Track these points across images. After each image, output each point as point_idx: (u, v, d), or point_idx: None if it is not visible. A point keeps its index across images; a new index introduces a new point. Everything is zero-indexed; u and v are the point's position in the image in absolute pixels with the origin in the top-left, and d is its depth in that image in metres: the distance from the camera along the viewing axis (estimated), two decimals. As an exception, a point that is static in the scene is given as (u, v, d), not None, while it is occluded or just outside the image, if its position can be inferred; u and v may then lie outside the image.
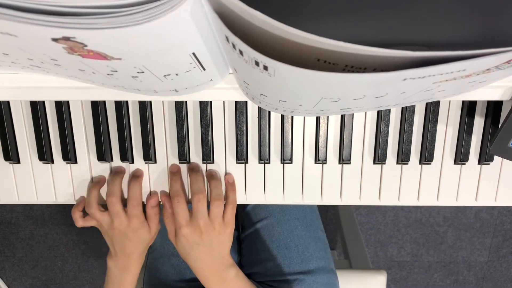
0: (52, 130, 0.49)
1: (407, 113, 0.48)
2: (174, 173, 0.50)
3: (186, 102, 0.48)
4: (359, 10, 0.31)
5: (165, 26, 0.23)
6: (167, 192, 0.51)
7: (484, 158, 0.49)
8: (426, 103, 0.48)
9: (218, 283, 0.50)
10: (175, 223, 0.48)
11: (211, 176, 0.50)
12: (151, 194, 0.51)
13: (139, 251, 0.51)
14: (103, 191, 0.50)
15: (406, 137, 0.48)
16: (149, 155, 0.48)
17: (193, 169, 0.49)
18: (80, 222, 0.50)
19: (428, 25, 0.32)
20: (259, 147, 0.49)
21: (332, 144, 0.50)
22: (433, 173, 0.50)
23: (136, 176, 0.50)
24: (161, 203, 0.51)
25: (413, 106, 0.48)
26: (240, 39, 0.22)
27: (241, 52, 0.24)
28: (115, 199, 0.47)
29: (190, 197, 0.51)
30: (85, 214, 0.50)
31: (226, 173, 0.51)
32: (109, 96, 0.44)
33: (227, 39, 0.24)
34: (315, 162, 0.50)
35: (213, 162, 0.50)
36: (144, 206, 0.50)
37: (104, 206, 0.49)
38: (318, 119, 0.48)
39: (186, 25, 0.24)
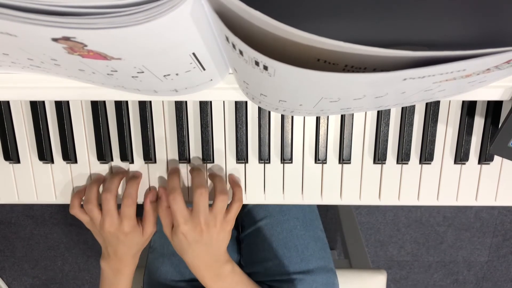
0: (52, 130, 0.49)
1: (407, 113, 0.48)
2: (172, 171, 0.49)
3: (186, 102, 0.48)
4: (359, 10, 0.31)
5: (165, 26, 0.23)
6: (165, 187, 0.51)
7: (484, 158, 0.49)
8: (426, 103, 0.48)
9: (214, 279, 0.49)
10: (173, 221, 0.47)
11: (214, 174, 0.50)
12: (150, 189, 0.51)
13: (132, 254, 0.50)
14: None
15: (406, 137, 0.48)
16: (149, 155, 0.48)
17: (195, 168, 0.49)
18: (76, 209, 0.48)
19: (427, 25, 0.32)
20: (259, 147, 0.49)
21: (332, 144, 0.50)
22: (433, 173, 0.50)
23: (135, 176, 0.50)
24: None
25: (413, 106, 0.48)
26: (240, 39, 0.22)
27: (241, 52, 0.24)
28: (110, 195, 0.46)
29: (189, 196, 0.50)
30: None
31: (226, 173, 0.51)
32: (109, 96, 0.44)
33: (227, 39, 0.24)
34: (315, 162, 0.50)
35: (213, 162, 0.50)
36: (138, 208, 0.49)
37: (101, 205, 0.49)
38: (318, 119, 0.48)
39: (186, 25, 0.24)
